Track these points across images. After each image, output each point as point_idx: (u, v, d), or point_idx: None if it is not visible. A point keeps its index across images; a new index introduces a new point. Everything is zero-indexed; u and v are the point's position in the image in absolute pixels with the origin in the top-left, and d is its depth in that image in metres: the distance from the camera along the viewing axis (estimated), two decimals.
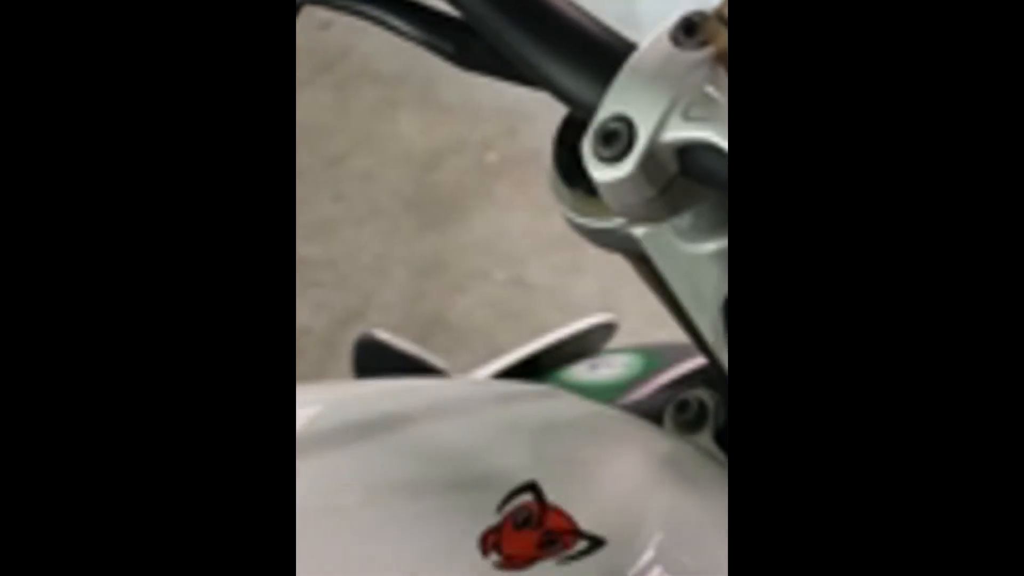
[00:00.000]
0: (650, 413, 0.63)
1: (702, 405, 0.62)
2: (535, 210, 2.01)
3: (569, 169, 0.64)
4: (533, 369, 0.90)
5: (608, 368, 0.88)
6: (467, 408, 0.60)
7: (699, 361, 0.88)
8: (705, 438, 0.61)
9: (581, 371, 0.89)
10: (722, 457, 0.61)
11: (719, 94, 0.51)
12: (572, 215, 0.64)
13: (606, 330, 0.94)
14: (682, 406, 0.62)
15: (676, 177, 0.52)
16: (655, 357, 0.90)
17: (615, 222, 0.62)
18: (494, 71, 0.59)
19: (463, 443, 0.57)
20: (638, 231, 0.62)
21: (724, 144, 0.50)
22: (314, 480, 0.52)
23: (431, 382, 0.72)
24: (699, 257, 0.59)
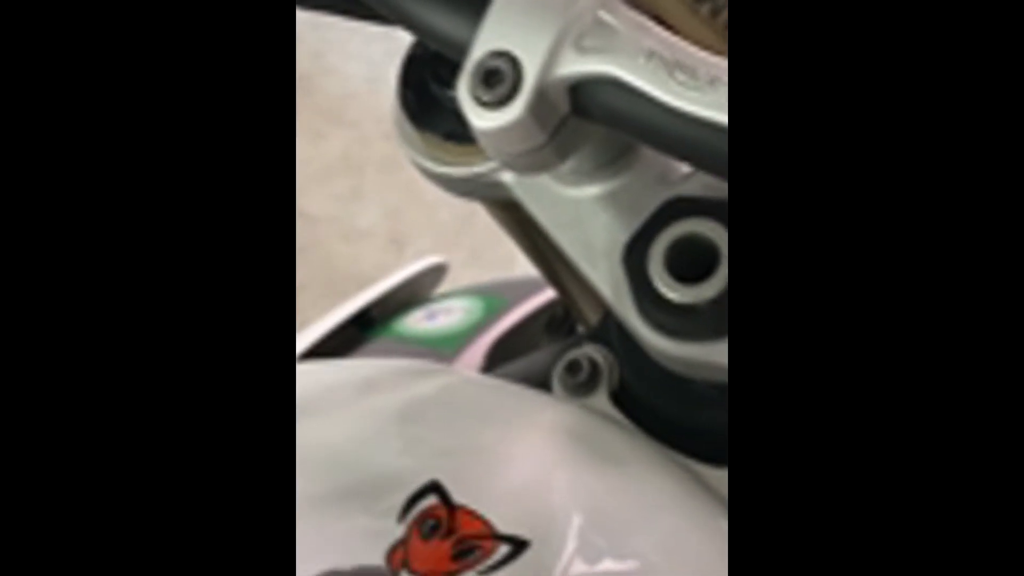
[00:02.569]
0: (535, 378, 0.57)
1: (594, 365, 0.55)
2: (307, 136, 1.91)
3: (418, 111, 0.56)
4: (365, 322, 0.83)
5: (447, 315, 0.82)
6: (337, 398, 0.53)
7: (541, 299, 0.83)
8: (600, 400, 0.55)
9: (418, 320, 0.83)
10: (621, 418, 0.55)
11: (614, 20, 0.44)
12: (424, 162, 0.56)
13: (436, 273, 0.87)
14: (572, 367, 0.55)
15: (567, 118, 0.45)
16: (493, 299, 0.84)
17: (477, 169, 0.55)
18: (335, 8, 0.51)
19: (346, 442, 0.49)
20: (507, 177, 0.55)
21: (628, 78, 0.43)
22: None
23: None
24: (583, 202, 0.53)
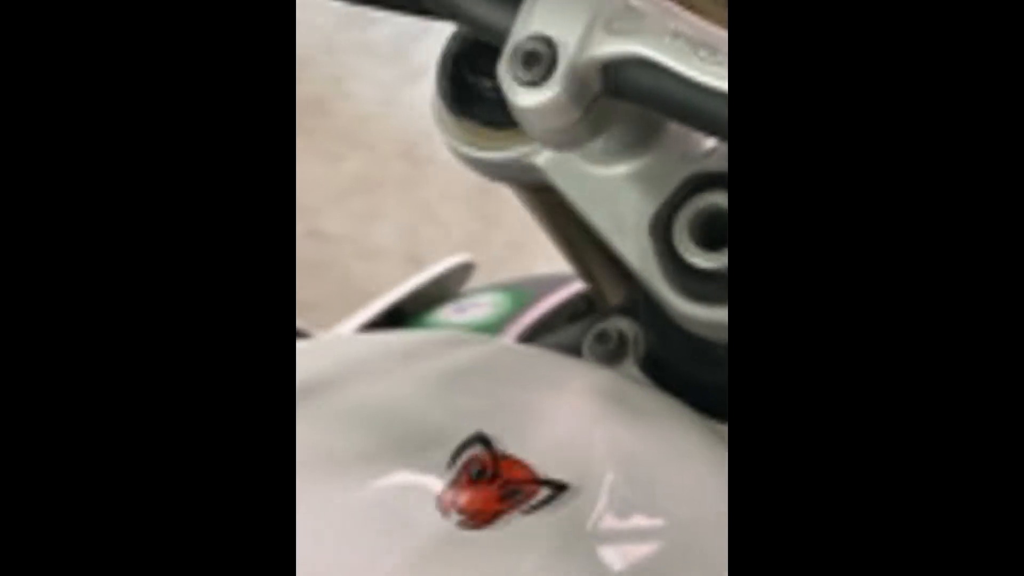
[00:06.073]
0: (567, 350, 0.61)
1: (621, 335, 0.59)
2: (325, 157, 1.96)
3: (456, 101, 0.61)
4: (396, 318, 0.87)
5: (476, 309, 0.86)
6: (384, 365, 0.56)
7: (569, 292, 0.86)
8: (629, 367, 0.59)
9: (448, 314, 0.87)
10: (649, 383, 0.59)
11: (642, 4, 0.48)
12: (463, 148, 0.60)
13: (464, 271, 0.91)
14: (601, 337, 0.59)
15: (600, 96, 0.49)
16: (520, 293, 0.88)
17: (512, 153, 0.59)
18: (383, 3, 0.55)
19: (393, 402, 0.53)
20: (541, 159, 0.59)
21: (653, 56, 0.47)
22: None
23: (321, 341, 0.68)
24: (614, 180, 0.57)
